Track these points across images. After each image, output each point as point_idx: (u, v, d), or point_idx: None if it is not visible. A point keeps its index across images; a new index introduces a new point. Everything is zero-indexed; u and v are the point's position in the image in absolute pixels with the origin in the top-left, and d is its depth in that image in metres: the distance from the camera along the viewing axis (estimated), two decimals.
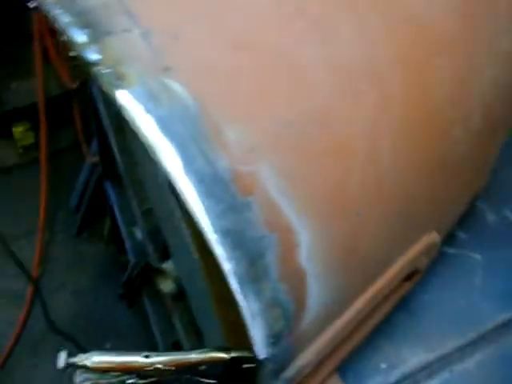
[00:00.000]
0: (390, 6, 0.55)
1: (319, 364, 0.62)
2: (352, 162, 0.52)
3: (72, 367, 0.65)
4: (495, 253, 1.00)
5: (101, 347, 2.35)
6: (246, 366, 0.62)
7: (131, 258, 2.01)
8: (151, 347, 2.32)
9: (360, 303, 0.62)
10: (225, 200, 0.45)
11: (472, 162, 0.74)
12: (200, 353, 0.62)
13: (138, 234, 2.03)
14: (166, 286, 1.41)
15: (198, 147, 0.45)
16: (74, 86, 2.55)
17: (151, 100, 0.45)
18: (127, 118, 0.46)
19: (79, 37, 0.47)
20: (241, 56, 0.48)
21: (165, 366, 0.63)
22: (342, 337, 0.62)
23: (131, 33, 0.47)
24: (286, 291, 0.50)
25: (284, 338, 0.51)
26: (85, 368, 0.64)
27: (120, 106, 0.45)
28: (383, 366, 0.84)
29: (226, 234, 0.45)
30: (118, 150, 1.64)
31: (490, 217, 1.07)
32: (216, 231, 0.45)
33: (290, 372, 0.56)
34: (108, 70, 0.46)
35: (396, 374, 0.84)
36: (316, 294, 0.53)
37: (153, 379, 0.66)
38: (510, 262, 0.99)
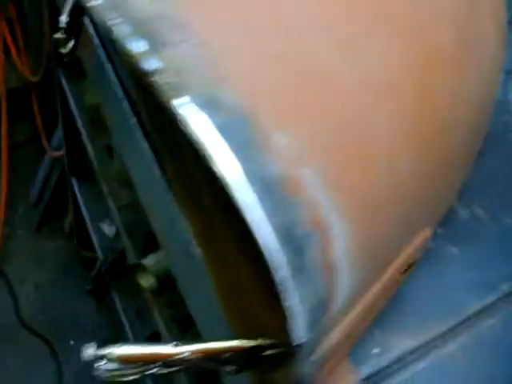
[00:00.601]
0: (408, 34, 0.61)
1: (337, 348, 0.68)
2: (377, 165, 0.57)
3: (99, 359, 0.67)
4: (470, 246, 1.08)
5: (65, 343, 2.35)
6: (269, 352, 0.67)
7: (99, 254, 2.02)
8: (118, 341, 2.33)
9: (371, 293, 0.68)
10: (276, 200, 0.50)
11: (463, 160, 0.82)
12: (227, 341, 0.66)
13: (106, 229, 2.04)
14: (146, 281, 1.43)
15: (252, 153, 0.50)
16: (35, 79, 2.51)
17: (210, 108, 0.49)
18: (184, 126, 0.49)
19: (139, 47, 0.50)
20: (286, 68, 0.52)
21: (193, 354, 0.67)
22: (356, 323, 0.68)
23: (188, 43, 0.51)
24: (324, 281, 0.55)
25: (318, 324, 0.57)
26: (112, 360, 0.67)
27: (178, 114, 0.49)
28: (375, 350, 0.91)
29: (277, 230, 0.50)
30: (90, 146, 1.65)
31: (463, 212, 1.15)
32: (268, 226, 0.49)
33: (316, 354, 0.62)
34: (168, 80, 0.50)
35: (388, 358, 0.90)
36: (343, 284, 0.58)
37: (177, 368, 0.70)
38: (483, 255, 1.07)
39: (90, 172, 2.16)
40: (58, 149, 2.49)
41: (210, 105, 0.50)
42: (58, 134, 2.53)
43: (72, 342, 2.43)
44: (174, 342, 0.66)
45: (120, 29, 0.51)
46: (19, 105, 2.63)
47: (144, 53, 0.50)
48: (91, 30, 0.91)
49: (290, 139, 0.52)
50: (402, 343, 0.93)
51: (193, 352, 0.66)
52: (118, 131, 1.21)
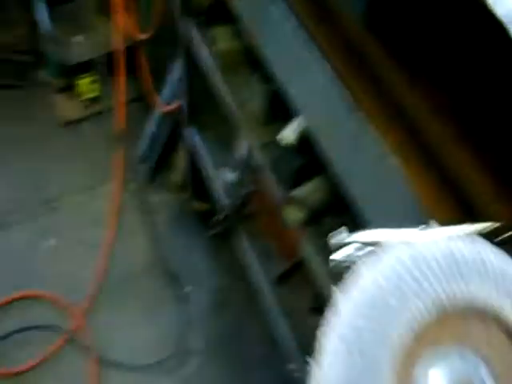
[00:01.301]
0: None
1: None
2: None
3: (347, 244, 0.72)
4: None
5: (181, 291, 2.46)
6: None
7: (222, 200, 2.10)
8: (232, 287, 2.43)
9: None
10: None
11: None
12: (471, 224, 0.71)
13: (228, 176, 2.11)
14: (294, 214, 1.48)
15: None
16: (143, 37, 2.59)
17: None
18: None
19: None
20: None
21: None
22: None
23: None
24: None
25: None
26: (360, 243, 0.72)
27: None
28: None
29: None
30: (226, 89, 1.71)
31: None
32: None
33: None
34: None
35: None
36: None
37: None
38: None
39: (209, 121, 2.24)
40: (167, 104, 2.58)
41: None
42: (167, 89, 2.61)
43: (188, 289, 2.55)
44: (422, 226, 0.70)
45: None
46: (128, 63, 2.71)
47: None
48: None
49: None
50: None
51: (439, 234, 0.70)
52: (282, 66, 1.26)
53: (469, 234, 0.71)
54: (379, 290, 0.51)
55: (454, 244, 0.57)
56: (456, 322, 0.53)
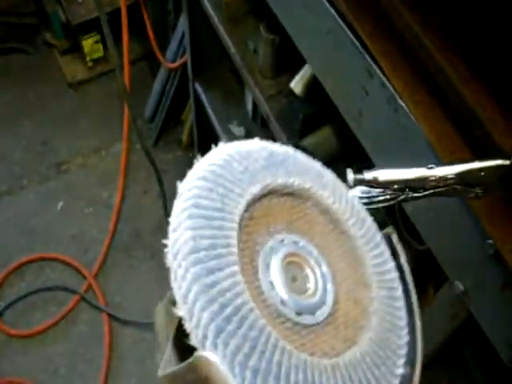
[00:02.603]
0: None
1: None
2: None
3: (359, 183, 0.70)
4: None
5: None
6: None
7: None
8: None
9: None
10: None
11: None
12: (482, 161, 0.68)
13: (236, 130, 2.08)
14: None
15: None
16: None
17: None
18: None
19: None
20: None
21: (446, 175, 0.69)
22: None
23: None
24: None
25: None
26: (369, 183, 0.70)
27: None
28: None
29: None
30: (230, 41, 1.66)
31: None
32: None
33: None
34: None
35: None
36: None
37: (425, 193, 0.72)
38: None
39: (215, 75, 2.20)
40: (173, 61, 2.54)
41: None
42: (172, 46, 2.57)
43: None
44: (429, 165, 0.68)
45: None
46: (131, 21, 2.66)
47: None
48: None
49: None
50: None
51: (448, 173, 0.68)
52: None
53: (478, 170, 0.69)
54: (213, 176, 0.53)
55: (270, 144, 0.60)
56: (281, 208, 0.58)
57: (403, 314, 0.59)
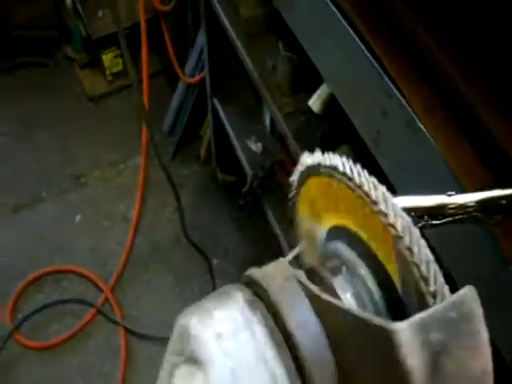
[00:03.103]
0: None
1: None
2: None
3: None
4: None
5: (207, 264, 2.46)
6: None
7: (247, 171, 2.08)
8: (259, 259, 2.42)
9: None
10: None
11: None
12: (503, 188, 0.67)
13: (253, 146, 2.09)
14: None
15: None
16: (166, 8, 2.56)
17: None
18: None
19: None
20: None
21: (467, 203, 0.68)
22: None
23: None
24: None
25: None
26: None
27: None
28: None
29: None
30: (248, 58, 1.67)
31: None
32: None
33: None
34: None
35: None
36: None
37: (444, 220, 0.71)
38: None
39: (233, 91, 2.21)
40: (191, 76, 2.55)
41: None
42: (191, 61, 2.58)
43: (214, 261, 2.55)
44: (449, 192, 0.67)
45: None
46: (150, 36, 2.68)
47: None
48: None
49: None
50: None
51: (468, 201, 0.67)
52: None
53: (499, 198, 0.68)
54: None
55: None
56: None
57: None
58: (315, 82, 1.47)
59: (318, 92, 1.45)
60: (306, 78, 1.56)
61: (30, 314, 2.42)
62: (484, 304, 0.86)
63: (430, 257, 0.43)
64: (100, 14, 2.77)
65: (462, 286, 0.86)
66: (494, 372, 0.41)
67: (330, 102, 1.43)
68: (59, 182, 2.79)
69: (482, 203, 0.67)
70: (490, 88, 0.82)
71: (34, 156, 2.84)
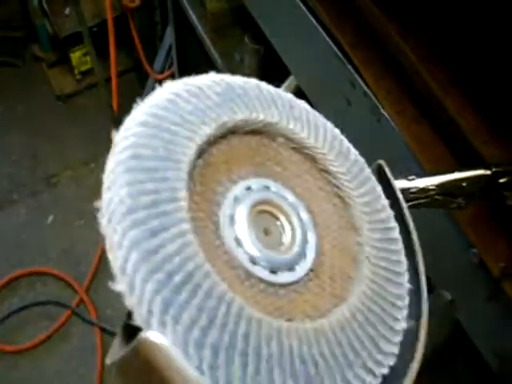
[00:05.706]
0: None
1: None
2: None
3: None
4: None
5: None
6: (503, 179, 0.68)
7: None
8: None
9: None
10: None
11: None
12: (463, 171, 0.68)
13: None
14: None
15: None
16: (132, 5, 2.54)
17: None
18: None
19: None
20: None
21: (427, 186, 0.68)
22: None
23: None
24: None
25: None
26: None
27: None
28: None
29: None
30: (214, 50, 1.67)
31: None
32: None
33: None
34: None
35: None
36: None
37: (408, 203, 0.72)
38: None
39: None
40: (160, 72, 2.54)
41: None
42: (160, 57, 2.57)
43: None
44: (410, 177, 0.68)
45: None
46: (118, 33, 2.65)
47: None
48: None
49: None
50: None
51: (429, 184, 0.67)
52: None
53: (459, 180, 0.69)
54: (155, 119, 0.43)
55: (231, 78, 0.50)
56: (245, 150, 0.48)
57: (402, 257, 0.49)
58: (283, 73, 1.47)
59: (286, 83, 1.45)
60: (273, 69, 1.56)
61: (4, 318, 2.39)
62: (451, 286, 0.87)
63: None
64: (67, 11, 2.74)
65: (430, 269, 0.87)
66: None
67: (298, 93, 1.43)
68: (30, 183, 2.75)
69: (442, 186, 0.67)
70: (449, 72, 0.83)
71: (4, 156, 2.81)
